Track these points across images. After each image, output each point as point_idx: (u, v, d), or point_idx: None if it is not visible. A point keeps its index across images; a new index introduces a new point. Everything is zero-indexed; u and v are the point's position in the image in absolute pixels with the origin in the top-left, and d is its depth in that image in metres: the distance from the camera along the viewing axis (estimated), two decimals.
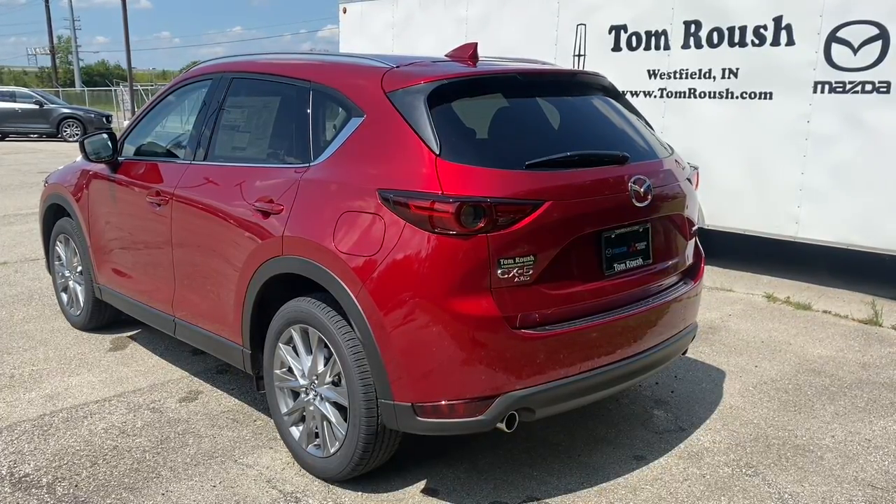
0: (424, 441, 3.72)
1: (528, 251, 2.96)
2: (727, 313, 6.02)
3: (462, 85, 3.22)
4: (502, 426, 3.04)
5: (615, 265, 3.30)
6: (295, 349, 3.47)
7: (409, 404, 3.01)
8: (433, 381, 2.98)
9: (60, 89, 43.45)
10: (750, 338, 5.44)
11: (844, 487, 3.45)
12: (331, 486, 3.41)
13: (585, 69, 4.45)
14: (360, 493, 3.36)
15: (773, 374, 4.76)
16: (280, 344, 3.52)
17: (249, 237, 3.56)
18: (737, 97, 7.02)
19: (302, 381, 3.46)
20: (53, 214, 5.59)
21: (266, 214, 3.47)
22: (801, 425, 4.05)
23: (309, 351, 3.39)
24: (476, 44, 3.59)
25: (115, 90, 31.91)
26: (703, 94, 7.26)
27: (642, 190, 3.28)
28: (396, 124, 3.10)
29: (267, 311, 3.59)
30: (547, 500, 3.33)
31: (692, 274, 3.86)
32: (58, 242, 5.63)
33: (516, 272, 2.94)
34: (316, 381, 3.38)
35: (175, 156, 4.35)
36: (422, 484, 3.44)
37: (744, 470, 3.59)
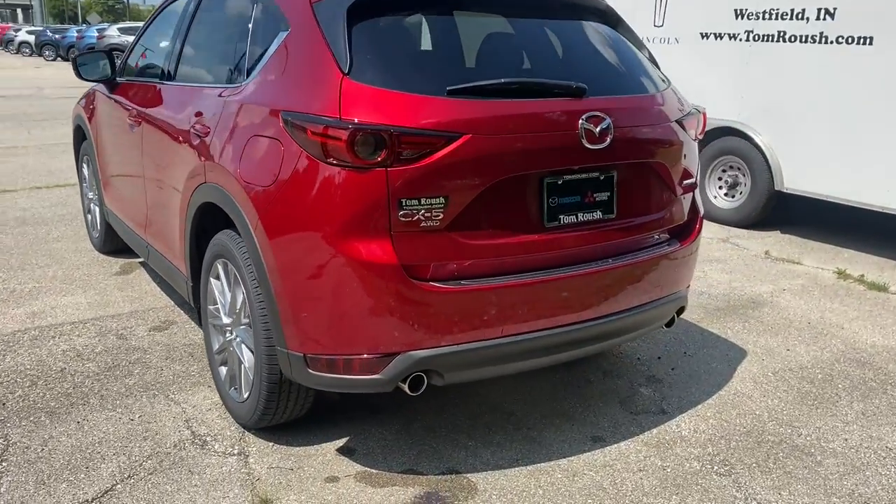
0: (366, 395, 3.43)
1: (437, 192, 2.54)
2: (781, 288, 5.29)
3: None
4: (404, 387, 2.69)
5: (560, 216, 2.82)
6: (222, 285, 3.23)
7: (301, 355, 2.71)
8: (326, 331, 2.66)
9: None
10: (796, 317, 4.74)
11: (832, 501, 2.87)
12: (245, 433, 3.19)
13: None
14: (270, 444, 3.11)
15: (806, 361, 4.10)
16: (211, 278, 3.30)
17: (185, 163, 3.34)
18: (831, 42, 6.07)
19: (226, 320, 3.23)
20: (81, 136, 5.61)
21: (198, 138, 3.23)
22: (811, 423, 3.44)
23: (231, 288, 3.15)
24: None
25: None
26: (793, 38, 6.34)
27: (598, 129, 2.75)
28: (314, 38, 2.74)
29: (206, 241, 3.37)
30: (468, 475, 2.96)
31: (682, 234, 3.29)
32: (83, 164, 5.66)
33: (422, 215, 2.54)
34: (234, 321, 3.14)
35: (154, 76, 4.17)
36: (341, 442, 3.15)
37: (716, 467, 3.07)
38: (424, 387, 2.73)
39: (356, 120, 2.48)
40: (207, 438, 3.15)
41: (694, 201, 3.35)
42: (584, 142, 2.73)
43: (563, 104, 2.74)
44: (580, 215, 2.87)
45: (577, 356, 3.13)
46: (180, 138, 3.43)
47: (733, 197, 6.99)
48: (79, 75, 4.51)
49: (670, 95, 3.18)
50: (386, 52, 2.70)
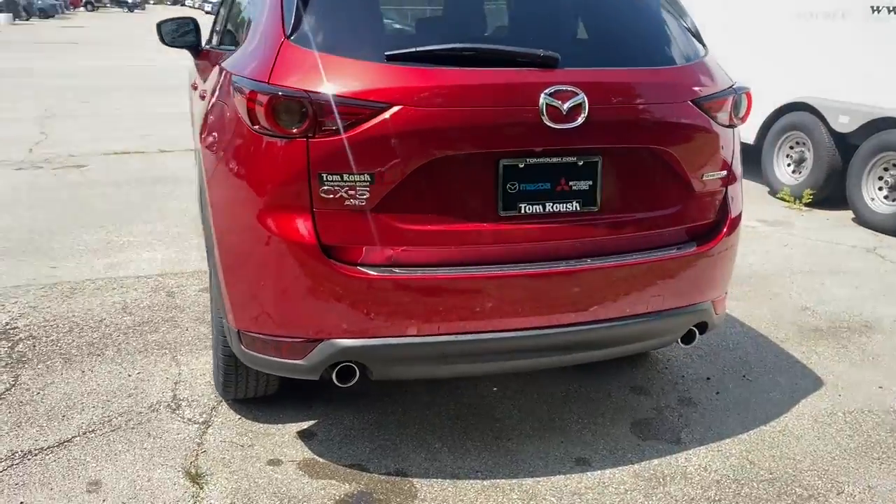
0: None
1: (363, 168, 2.31)
2: None
3: None
4: (332, 377, 2.50)
5: (521, 205, 2.47)
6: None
7: (237, 330, 2.61)
8: (254, 309, 2.53)
9: None
10: None
11: None
12: (221, 403, 3.17)
13: None
14: (237, 418, 3.07)
15: None
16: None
17: (195, 131, 3.36)
18: None
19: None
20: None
21: (200, 107, 3.23)
22: (862, 480, 2.81)
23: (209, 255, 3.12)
24: None
25: None
26: None
27: (566, 106, 2.36)
28: (275, 3, 2.58)
29: None
30: (414, 480, 2.72)
31: (702, 236, 2.78)
32: None
33: (346, 193, 2.32)
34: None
35: (213, 45, 4.23)
36: (306, 424, 3.03)
37: None
38: (356, 379, 2.52)
39: (281, 84, 2.31)
40: (183, 404, 3.16)
41: (725, 200, 2.81)
42: (546, 120, 2.35)
43: (522, 75, 2.37)
44: (550, 205, 2.49)
45: (547, 366, 2.77)
46: (195, 108, 3.45)
47: (895, 200, 5.95)
48: (162, 41, 4.69)
49: (690, 71, 2.67)
50: (336, 15, 2.49)
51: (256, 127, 2.35)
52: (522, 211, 2.47)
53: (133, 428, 2.97)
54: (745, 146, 7.34)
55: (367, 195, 2.33)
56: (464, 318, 2.45)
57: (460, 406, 3.20)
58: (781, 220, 6.25)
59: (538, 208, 2.48)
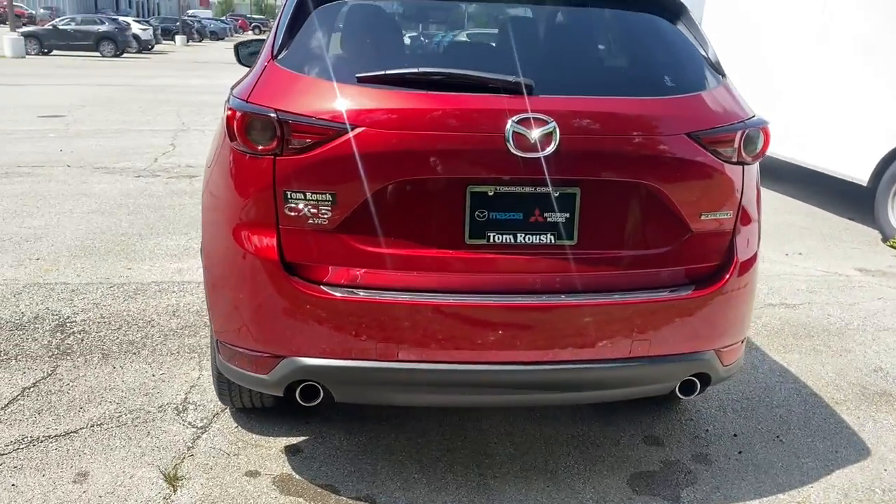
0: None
1: (325, 187, 2.32)
2: None
3: None
4: (296, 395, 2.51)
5: (490, 234, 2.39)
6: None
7: (217, 340, 2.68)
8: (228, 319, 2.59)
9: None
10: None
11: None
12: (225, 411, 3.25)
13: None
14: (234, 426, 3.15)
15: None
16: None
17: None
18: None
19: None
20: None
21: None
22: None
23: None
24: None
25: None
26: None
27: (534, 134, 2.26)
28: (278, 23, 2.67)
29: None
30: None
31: (704, 280, 2.57)
32: None
33: (308, 211, 2.34)
34: None
35: None
36: (297, 440, 3.06)
37: None
38: (320, 399, 2.51)
39: (255, 103, 2.37)
40: (190, 407, 3.27)
41: (732, 242, 2.59)
42: (513, 148, 2.26)
43: (492, 101, 2.30)
44: (522, 236, 2.40)
45: (517, 404, 2.64)
46: None
47: None
48: (238, 61, 4.94)
49: (689, 102, 2.48)
50: (317, 38, 2.52)
51: (234, 143, 2.41)
52: (491, 240, 2.39)
53: (137, 426, 3.11)
54: (858, 188, 6.86)
55: (330, 215, 2.33)
56: (424, 347, 2.39)
57: (456, 438, 3.12)
58: (884, 271, 5.69)
59: (509, 238, 2.39)
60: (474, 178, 2.34)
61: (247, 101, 2.39)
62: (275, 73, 2.43)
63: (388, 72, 2.34)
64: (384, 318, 2.38)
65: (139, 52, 30.27)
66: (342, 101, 2.31)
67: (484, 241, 2.39)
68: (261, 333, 2.48)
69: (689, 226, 2.49)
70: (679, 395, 2.69)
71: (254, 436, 3.07)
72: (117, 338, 3.91)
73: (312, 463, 2.91)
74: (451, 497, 2.75)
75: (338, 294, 2.37)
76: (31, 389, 3.35)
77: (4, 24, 32.70)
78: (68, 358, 3.66)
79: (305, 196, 2.33)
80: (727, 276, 2.56)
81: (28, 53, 26.04)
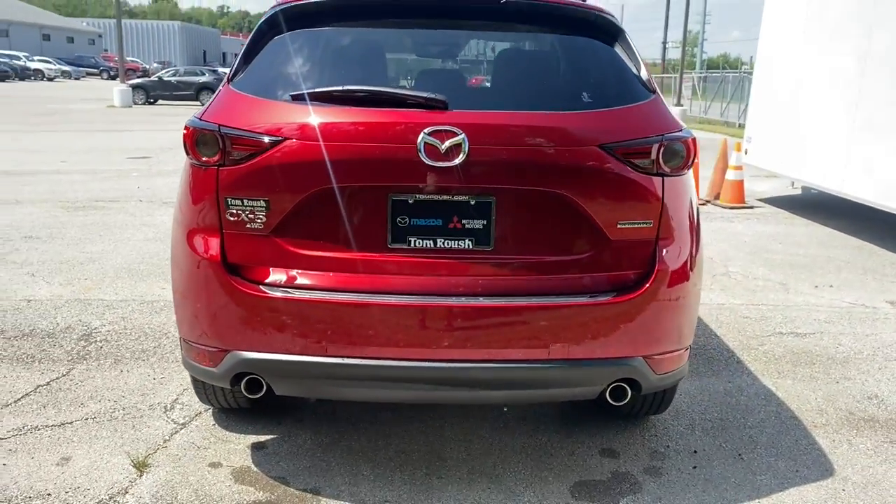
0: (339, 405, 3.50)
1: (259, 195, 2.57)
2: None
3: (298, 12, 2.83)
4: (240, 387, 2.74)
5: (411, 239, 2.56)
6: None
7: (181, 337, 2.94)
8: (184, 316, 2.84)
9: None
10: None
11: None
12: (208, 411, 3.50)
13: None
14: (212, 423, 3.39)
15: None
16: None
17: None
18: None
19: None
20: None
21: None
22: None
23: None
24: None
25: (673, 77, 32.82)
26: None
27: (444, 146, 2.44)
28: (240, 52, 2.96)
29: None
30: (321, 499, 2.85)
31: (628, 287, 2.65)
32: None
33: (246, 216, 2.59)
34: None
35: None
36: (265, 437, 3.28)
37: None
38: (263, 392, 2.73)
39: (203, 119, 2.65)
40: (177, 407, 3.54)
41: (654, 250, 2.67)
42: (424, 157, 2.45)
43: (408, 115, 2.50)
44: (441, 241, 2.57)
45: (439, 400, 2.77)
46: None
47: None
48: None
49: (605, 116, 2.60)
50: (269, 63, 2.78)
51: (188, 157, 2.69)
52: (412, 245, 2.56)
53: (125, 420, 3.39)
54: None
55: (265, 219, 2.57)
56: (351, 344, 2.57)
57: (414, 441, 3.26)
58: None
59: (429, 243, 2.56)
60: (394, 186, 2.53)
61: (200, 119, 2.67)
62: (227, 95, 2.72)
63: (316, 90, 2.58)
64: (315, 316, 2.57)
65: None
66: (275, 116, 2.56)
67: (406, 246, 2.57)
68: (209, 329, 2.71)
69: (605, 234, 2.60)
70: (610, 400, 2.75)
71: (227, 433, 3.30)
72: (133, 346, 4.25)
73: (273, 458, 3.11)
74: (393, 494, 2.88)
75: (275, 294, 2.59)
76: (44, 387, 3.70)
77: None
78: (84, 362, 4.02)
79: (243, 202, 2.57)
80: (647, 285, 2.63)
81: (136, 103, 28.03)
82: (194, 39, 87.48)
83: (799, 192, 10.37)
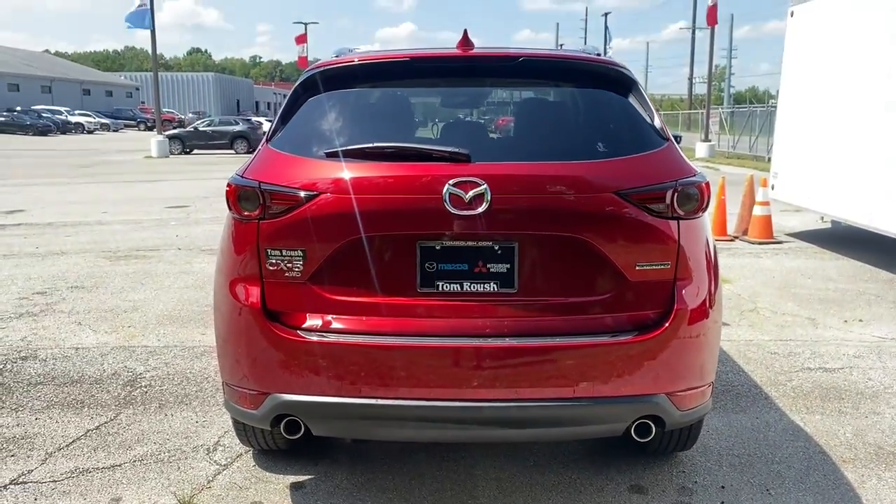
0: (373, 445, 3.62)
1: (296, 245, 2.74)
2: None
3: (330, 74, 3.04)
4: (280, 429, 2.88)
5: (439, 283, 2.71)
6: None
7: (223, 381, 3.10)
8: (226, 361, 3.00)
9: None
10: None
11: None
12: (249, 452, 3.65)
13: (541, 55, 3.12)
14: (252, 465, 3.53)
15: None
16: None
17: None
18: None
19: None
20: None
21: None
22: None
23: None
24: (465, 30, 3.26)
25: (701, 112, 32.91)
26: None
27: (468, 196, 2.61)
28: (278, 113, 3.17)
29: None
30: None
31: (648, 326, 2.76)
32: None
33: (284, 265, 2.77)
34: None
35: None
36: (303, 478, 3.40)
37: None
38: (301, 433, 2.87)
39: (245, 176, 2.84)
40: (220, 449, 3.69)
41: (673, 290, 2.78)
42: (450, 207, 2.61)
43: (433, 168, 2.67)
44: (467, 285, 2.71)
45: (469, 439, 2.87)
46: None
47: None
48: None
49: (620, 164, 2.74)
50: (304, 123, 2.99)
51: (231, 212, 2.89)
52: (440, 289, 2.71)
53: (171, 462, 3.55)
54: None
55: (302, 268, 2.74)
56: (384, 384, 2.71)
57: (447, 480, 3.36)
58: None
59: (456, 287, 2.71)
60: (422, 234, 2.69)
61: (241, 177, 2.87)
62: (266, 154, 2.92)
63: (348, 147, 2.76)
64: (349, 359, 2.72)
65: None
66: (311, 172, 2.75)
67: (434, 290, 2.72)
68: (250, 372, 2.87)
69: (625, 275, 2.72)
70: (635, 437, 2.84)
71: (267, 473, 3.44)
72: (175, 391, 4.43)
73: (311, 497, 3.24)
74: None
75: (311, 338, 2.75)
76: (94, 431, 3.88)
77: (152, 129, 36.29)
78: (130, 407, 4.20)
79: (282, 253, 2.75)
80: (667, 323, 2.74)
81: (172, 153, 28.82)
82: (228, 89, 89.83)
83: (828, 226, 10.35)
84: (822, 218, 9.96)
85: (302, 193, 2.72)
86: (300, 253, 2.74)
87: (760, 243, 9.32)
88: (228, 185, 2.88)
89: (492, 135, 2.97)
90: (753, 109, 30.65)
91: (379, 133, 2.95)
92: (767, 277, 7.50)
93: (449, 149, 2.69)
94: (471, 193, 2.61)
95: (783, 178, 9.73)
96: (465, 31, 3.07)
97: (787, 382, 4.54)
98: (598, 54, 3.27)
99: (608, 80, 3.01)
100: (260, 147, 3.02)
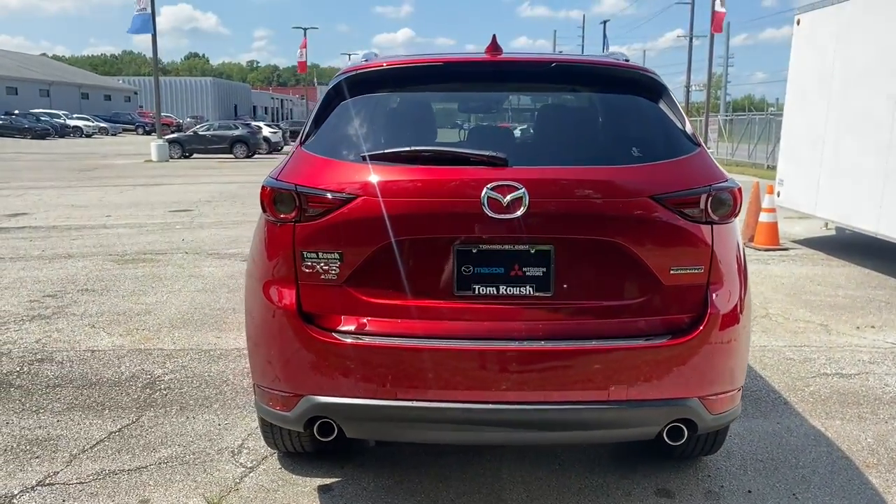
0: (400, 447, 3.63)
1: (333, 248, 2.75)
2: None
3: (363, 78, 3.06)
4: (312, 431, 2.89)
5: (475, 286, 2.72)
6: None
7: (254, 383, 3.10)
8: (259, 363, 3.01)
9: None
10: None
11: None
12: (274, 455, 3.65)
13: (575, 59, 3.16)
14: (278, 467, 3.53)
15: None
16: None
17: None
18: None
19: None
20: None
21: None
22: None
23: None
24: (494, 35, 3.28)
25: (699, 120, 33.06)
26: None
27: (506, 199, 2.62)
28: (310, 116, 3.19)
29: None
30: None
31: (682, 330, 2.78)
32: None
33: (321, 268, 2.77)
34: None
35: None
36: (330, 480, 3.41)
37: None
38: (334, 435, 2.87)
39: (280, 179, 2.85)
40: (244, 451, 3.69)
41: (706, 294, 2.80)
42: (488, 210, 2.63)
43: (472, 172, 2.69)
44: (503, 288, 2.72)
45: (504, 441, 2.88)
46: None
47: None
48: None
49: (654, 169, 2.76)
50: (337, 126, 3.00)
51: (265, 214, 2.90)
52: (476, 292, 2.72)
53: (196, 464, 3.55)
54: None
55: (338, 270, 2.75)
56: (419, 387, 2.71)
57: (474, 483, 3.37)
58: None
59: (492, 290, 2.72)
60: (459, 237, 2.70)
61: (276, 180, 2.88)
62: (300, 157, 2.93)
63: (386, 150, 2.78)
64: (384, 361, 2.73)
65: (269, 152, 32.69)
66: (348, 175, 2.76)
67: (470, 293, 2.73)
68: (283, 374, 2.88)
69: (659, 279, 2.74)
70: (667, 440, 2.86)
71: (294, 476, 3.44)
72: (195, 394, 4.43)
73: (339, 500, 3.24)
74: None
75: (347, 340, 2.76)
76: (116, 433, 3.88)
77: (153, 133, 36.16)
78: (151, 409, 4.20)
79: (318, 255, 2.76)
80: (701, 327, 2.76)
81: (172, 157, 28.80)
82: (226, 94, 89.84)
83: (833, 232, 10.40)
84: (826, 225, 10.00)
85: (339, 196, 2.73)
86: (337, 255, 2.75)
87: (767, 250, 9.36)
88: (263, 187, 2.89)
89: (525, 139, 2.99)
90: (753, 117, 30.78)
91: (412, 136, 2.97)
92: (777, 284, 7.54)
93: (487, 153, 2.71)
94: (509, 197, 2.63)
95: (789, 186, 9.77)
96: (494, 37, 3.09)
97: (805, 388, 4.56)
98: (627, 60, 3.29)
99: (640, 85, 3.03)
100: (293, 150, 3.03)
